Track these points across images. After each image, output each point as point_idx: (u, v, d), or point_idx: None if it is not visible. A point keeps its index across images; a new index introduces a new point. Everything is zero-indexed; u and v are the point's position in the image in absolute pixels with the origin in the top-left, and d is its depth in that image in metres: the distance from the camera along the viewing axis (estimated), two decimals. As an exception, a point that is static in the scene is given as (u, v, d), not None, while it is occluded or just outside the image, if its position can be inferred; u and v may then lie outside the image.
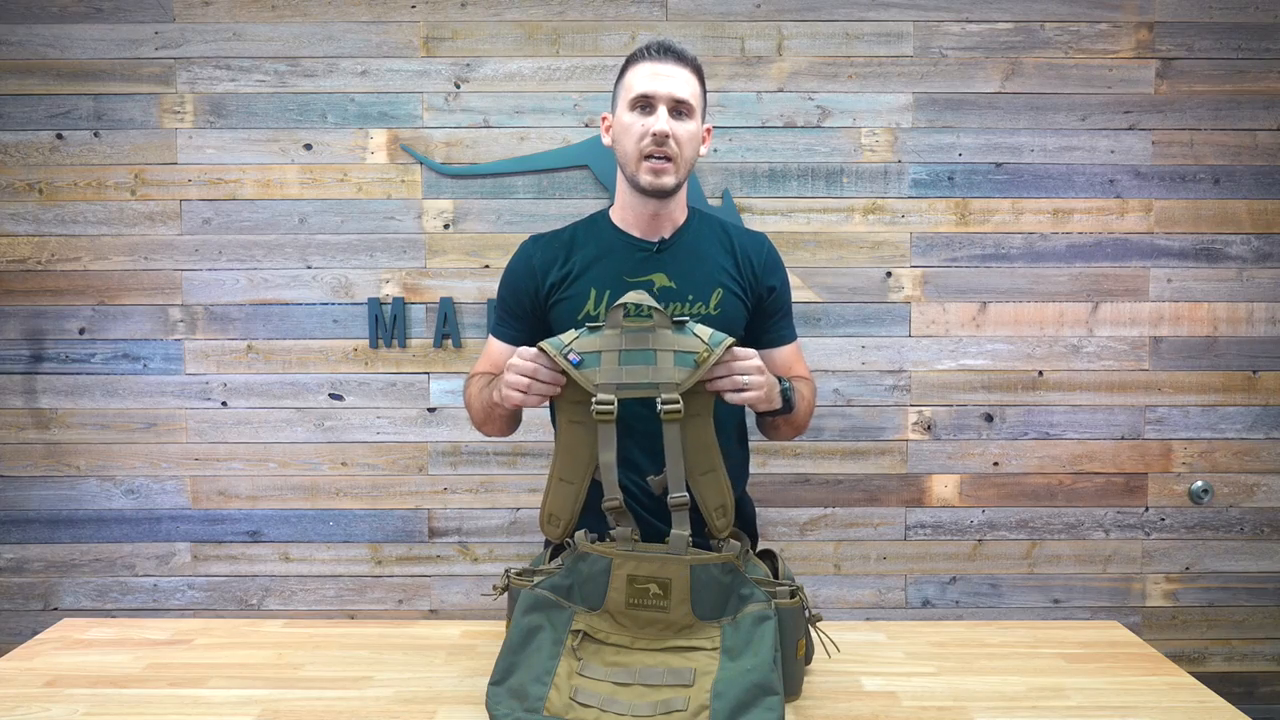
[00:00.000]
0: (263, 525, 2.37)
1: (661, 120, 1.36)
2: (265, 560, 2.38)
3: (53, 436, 2.35)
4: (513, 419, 1.47)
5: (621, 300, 1.20)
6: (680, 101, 1.38)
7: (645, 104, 1.38)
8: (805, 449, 2.37)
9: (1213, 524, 2.40)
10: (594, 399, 1.18)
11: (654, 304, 1.19)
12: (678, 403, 1.17)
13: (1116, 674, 1.31)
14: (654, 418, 1.19)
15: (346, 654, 1.37)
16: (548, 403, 1.25)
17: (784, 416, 1.37)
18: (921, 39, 2.31)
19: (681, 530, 1.18)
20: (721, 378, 1.19)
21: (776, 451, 2.36)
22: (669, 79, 1.38)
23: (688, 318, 1.22)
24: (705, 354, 1.18)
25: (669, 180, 1.39)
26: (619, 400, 1.18)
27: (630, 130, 1.39)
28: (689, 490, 1.21)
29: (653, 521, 1.31)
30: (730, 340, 1.20)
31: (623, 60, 1.47)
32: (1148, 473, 2.39)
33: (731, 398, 1.20)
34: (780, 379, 1.34)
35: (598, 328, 1.20)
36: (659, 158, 1.38)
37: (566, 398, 1.21)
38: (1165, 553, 2.41)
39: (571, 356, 1.18)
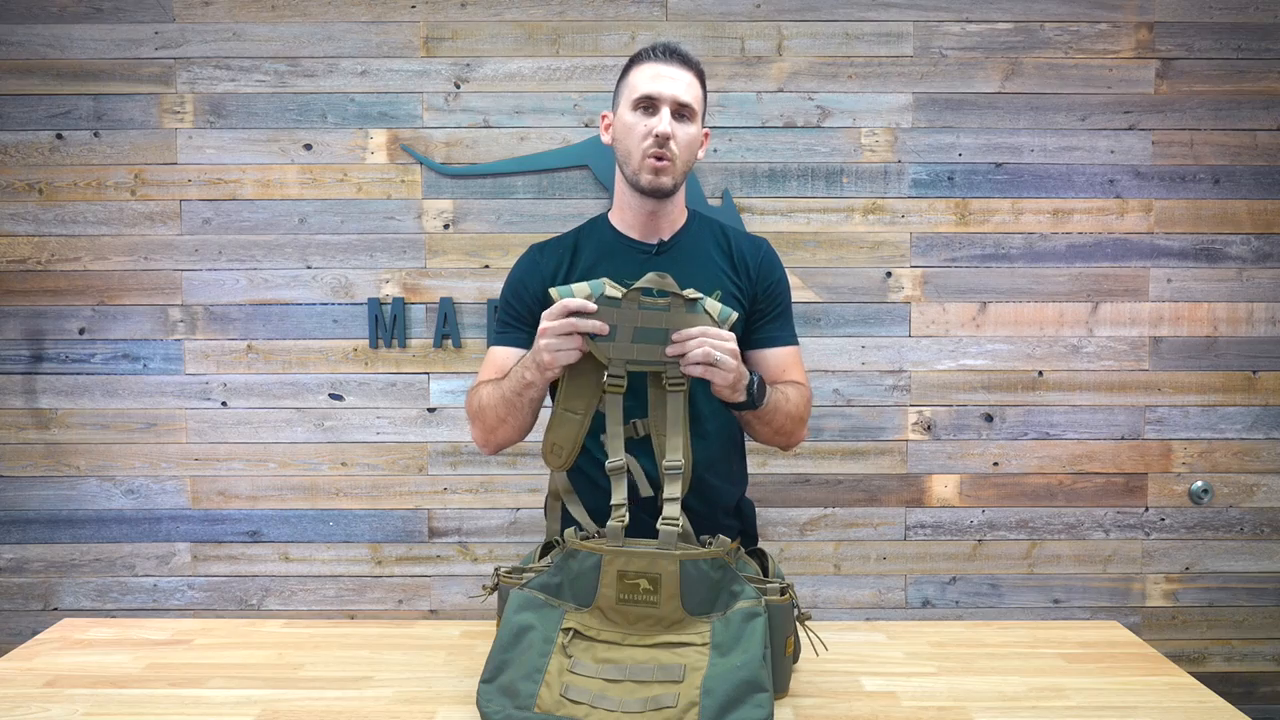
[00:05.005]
0: (263, 525, 2.37)
1: (664, 122, 1.38)
2: (265, 560, 2.38)
3: (53, 436, 2.35)
4: (537, 407, 1.41)
5: (640, 283, 1.24)
6: (683, 105, 1.40)
7: (648, 105, 1.40)
8: (805, 449, 2.37)
9: (1213, 524, 2.40)
10: (607, 372, 1.25)
11: (673, 287, 1.24)
12: (683, 380, 1.26)
13: (1116, 674, 1.31)
14: (659, 389, 1.27)
15: (346, 654, 1.37)
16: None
17: (752, 412, 1.37)
18: (921, 39, 2.31)
19: (672, 494, 1.21)
20: (697, 346, 1.22)
21: (776, 451, 2.36)
22: (673, 81, 1.39)
23: (700, 296, 1.26)
24: None
25: (668, 180, 1.41)
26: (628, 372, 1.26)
27: (633, 130, 1.40)
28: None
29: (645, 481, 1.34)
30: (734, 316, 1.28)
31: (624, 60, 1.47)
32: (1148, 473, 2.39)
33: (693, 370, 1.23)
34: (751, 373, 1.34)
35: (615, 299, 1.23)
36: (659, 158, 1.39)
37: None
38: (1165, 553, 2.41)
39: None
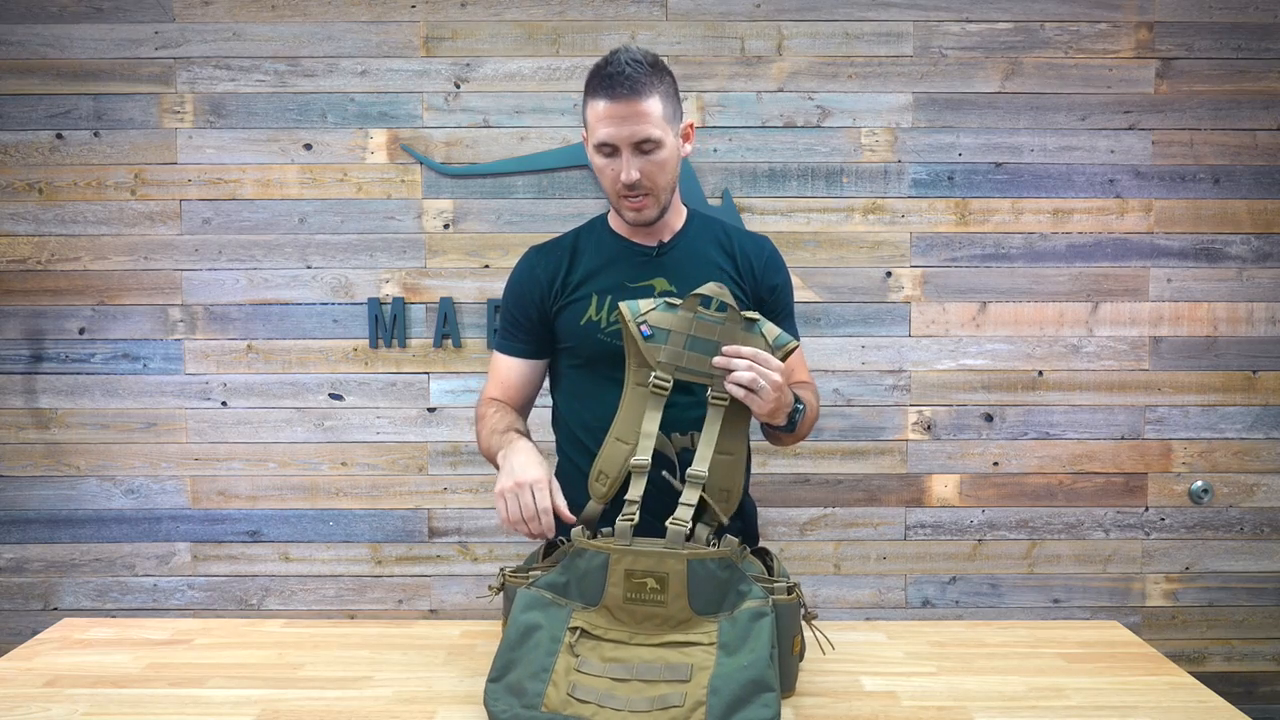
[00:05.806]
0: (263, 525, 2.37)
1: (627, 170, 1.34)
2: (265, 560, 2.38)
3: (53, 436, 2.35)
4: None
5: (701, 290, 1.25)
6: (642, 141, 1.33)
7: (609, 150, 1.35)
8: (805, 449, 2.37)
9: (1213, 524, 2.40)
10: (653, 374, 1.25)
11: (731, 300, 1.25)
12: (725, 398, 1.24)
13: (1116, 674, 1.30)
14: (699, 403, 1.27)
15: (346, 654, 1.37)
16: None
17: (784, 431, 1.38)
18: (921, 39, 2.31)
19: (689, 500, 1.21)
20: (744, 369, 1.21)
21: (777, 451, 2.36)
22: (623, 120, 1.32)
23: (759, 317, 1.27)
24: None
25: (650, 213, 1.41)
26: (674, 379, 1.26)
27: (603, 172, 1.39)
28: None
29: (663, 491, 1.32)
30: (794, 345, 1.27)
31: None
32: (1148, 473, 2.39)
33: (734, 390, 1.22)
34: (795, 400, 1.34)
35: (675, 306, 1.26)
36: (634, 197, 1.38)
37: (634, 363, 1.28)
38: (1165, 553, 2.41)
39: (644, 329, 1.26)
